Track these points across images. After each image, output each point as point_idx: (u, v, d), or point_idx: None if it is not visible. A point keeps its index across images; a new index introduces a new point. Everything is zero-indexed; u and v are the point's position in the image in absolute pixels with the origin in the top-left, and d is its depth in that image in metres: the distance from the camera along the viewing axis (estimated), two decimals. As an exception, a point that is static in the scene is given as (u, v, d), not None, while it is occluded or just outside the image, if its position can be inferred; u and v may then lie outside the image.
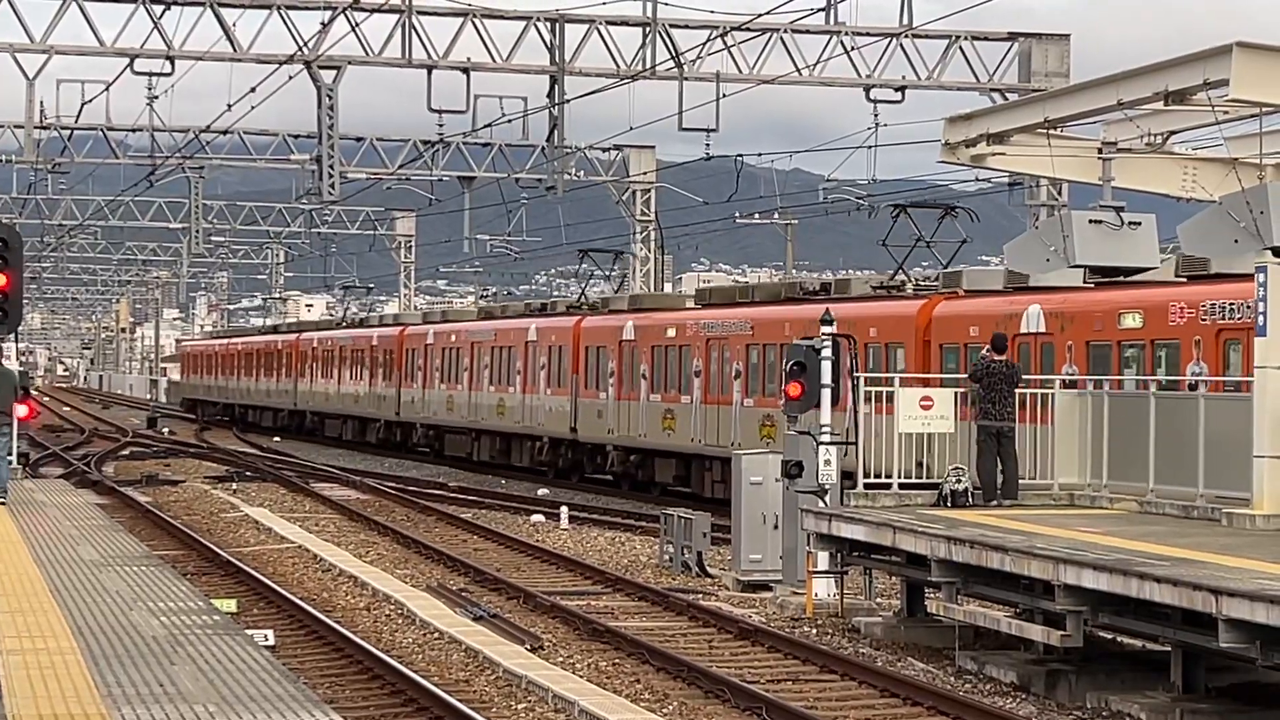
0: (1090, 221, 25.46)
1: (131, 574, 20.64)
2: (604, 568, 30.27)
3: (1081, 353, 31.45)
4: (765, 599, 26.76)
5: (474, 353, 58.25)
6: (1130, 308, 30.51)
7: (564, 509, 39.79)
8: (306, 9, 44.08)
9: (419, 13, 44.29)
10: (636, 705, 18.50)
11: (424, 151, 61.35)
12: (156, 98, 49.46)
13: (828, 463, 25.36)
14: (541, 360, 52.75)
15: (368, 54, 44.39)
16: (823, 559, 25.01)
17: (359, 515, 40.05)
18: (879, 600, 25.40)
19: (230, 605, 23.94)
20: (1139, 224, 26.01)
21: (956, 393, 25.21)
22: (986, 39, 47.00)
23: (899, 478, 24.63)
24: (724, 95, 45.90)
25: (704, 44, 45.01)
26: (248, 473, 52.58)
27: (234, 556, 30.87)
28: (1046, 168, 26.78)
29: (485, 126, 49.05)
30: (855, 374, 26.08)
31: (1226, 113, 23.66)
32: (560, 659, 21.58)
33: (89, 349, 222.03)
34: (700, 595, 27.07)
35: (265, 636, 21.08)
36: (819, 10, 43.39)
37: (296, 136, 62.61)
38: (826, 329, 26.07)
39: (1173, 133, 26.04)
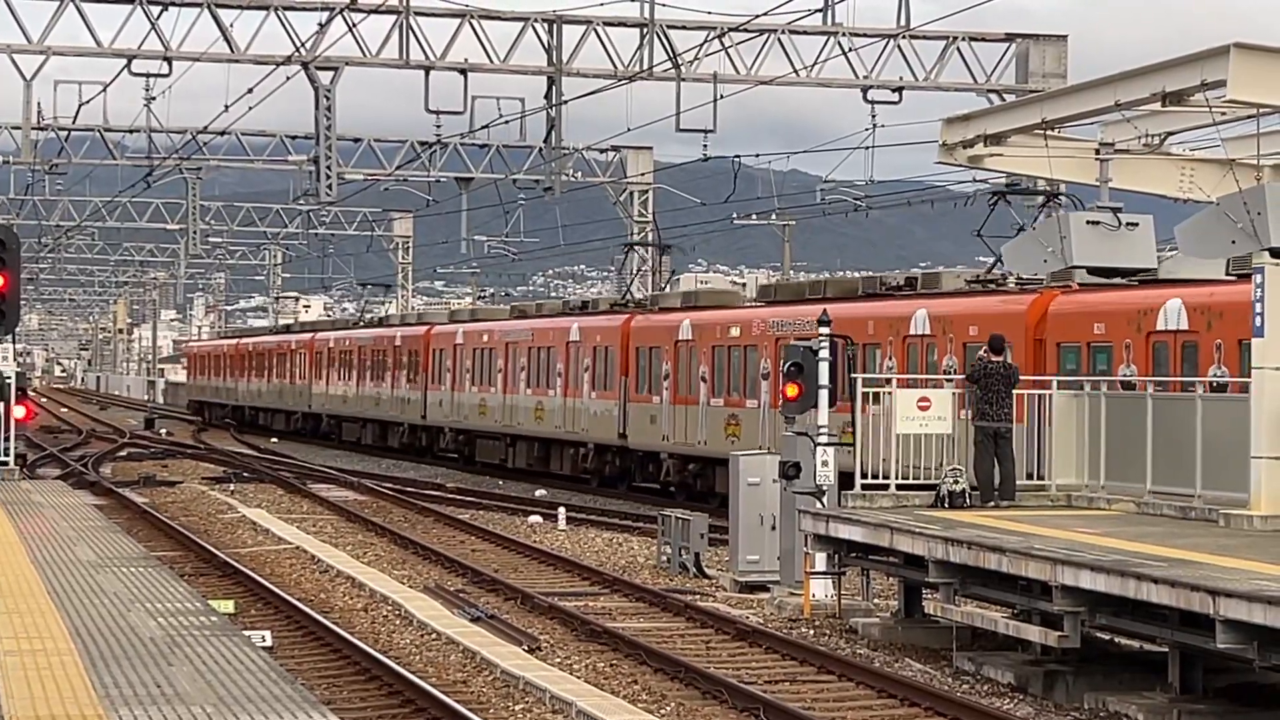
0: (1088, 222, 25.50)
1: (129, 575, 20.62)
2: (602, 568, 30.26)
3: (1233, 353, 28.07)
4: (763, 600, 26.76)
5: (509, 353, 55.48)
6: None
7: (561, 510, 39.79)
8: (304, 10, 44.08)
9: (416, 14, 44.30)
10: (634, 706, 18.50)
11: (421, 152, 61.33)
12: (154, 99, 49.46)
13: (825, 464, 25.36)
14: (585, 361, 50.04)
15: (365, 55, 44.39)
16: (820, 560, 25.02)
17: (357, 516, 40.05)
18: (876, 601, 25.40)
19: (228, 606, 23.93)
20: (1136, 225, 26.05)
21: (954, 393, 25.19)
22: (984, 40, 47.04)
23: (896, 478, 24.62)
24: (721, 96, 45.95)
25: (701, 45, 45.04)
26: (245, 474, 52.58)
27: (231, 557, 30.87)
28: (1044, 168, 26.78)
29: (483, 127, 49.09)
30: (853, 374, 26.09)
31: (1224, 114, 23.66)
32: (558, 660, 21.57)
33: (86, 350, 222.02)
34: (698, 596, 27.07)
35: (263, 637, 21.05)
36: (816, 11, 43.39)
37: (294, 137, 62.61)
38: (824, 329, 26.10)
39: (1170, 134, 26.04)
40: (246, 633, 18.21)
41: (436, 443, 62.51)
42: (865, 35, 46.09)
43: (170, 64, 44.47)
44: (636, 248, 53.52)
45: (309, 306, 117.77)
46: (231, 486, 48.22)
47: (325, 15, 42.90)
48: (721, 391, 43.04)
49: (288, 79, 43.54)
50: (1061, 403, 25.11)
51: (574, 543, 35.40)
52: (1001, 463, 24.36)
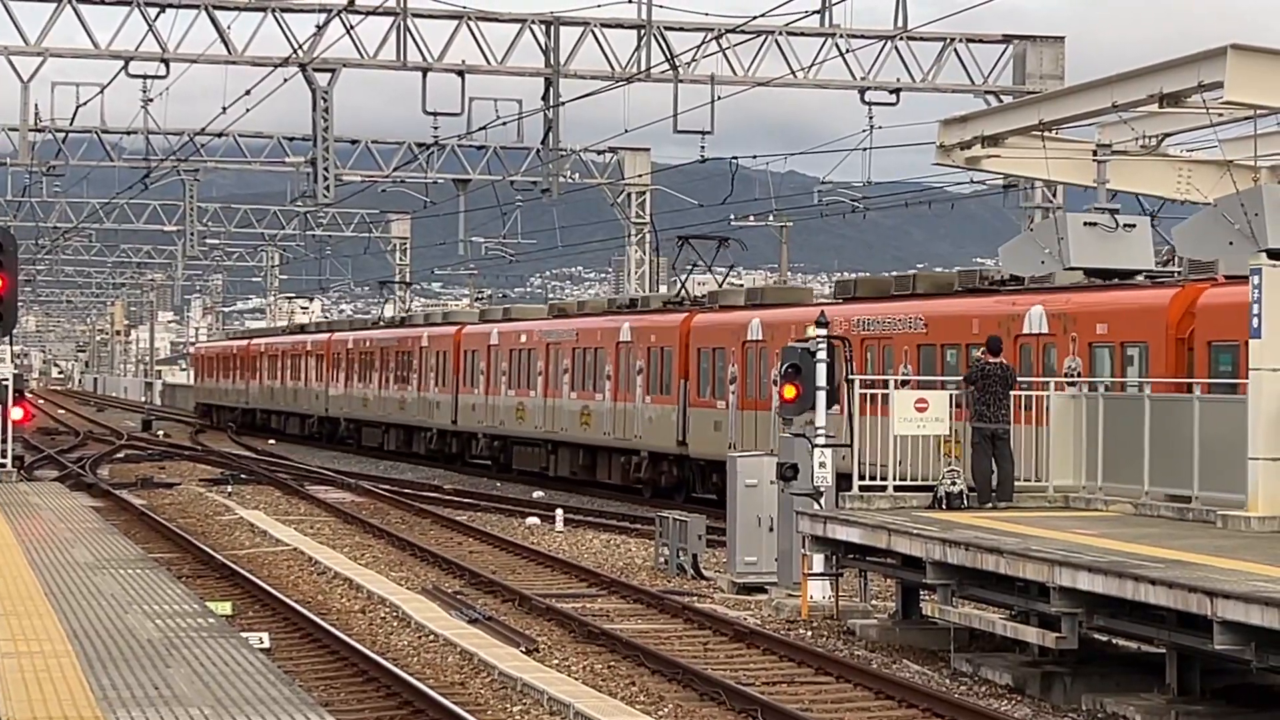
0: (1085, 224, 25.52)
1: (126, 577, 20.62)
2: (599, 570, 30.26)
3: None
4: (760, 601, 26.76)
5: (550, 355, 52.03)
6: None
7: (559, 511, 39.79)
8: (301, 11, 44.10)
9: (414, 15, 44.31)
10: (632, 708, 18.50)
11: (419, 154, 61.35)
12: (151, 100, 49.46)
13: (823, 465, 25.37)
14: (639, 363, 46.57)
15: (363, 57, 44.39)
16: (818, 561, 25.02)
17: (354, 518, 40.04)
18: (874, 602, 25.40)
19: (225, 608, 23.93)
20: (1133, 226, 26.07)
21: (952, 394, 25.18)
22: (981, 41, 47.07)
23: (894, 480, 24.61)
24: (719, 97, 45.98)
25: (699, 46, 45.04)
26: (243, 475, 52.56)
27: (229, 559, 30.86)
28: (1041, 170, 26.79)
29: (480, 129, 49.11)
30: (850, 376, 26.09)
31: (1221, 115, 23.67)
32: (556, 661, 21.58)
33: (84, 351, 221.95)
34: (695, 597, 27.07)
35: (260, 639, 21.05)
36: (814, 12, 43.49)
37: (291, 139, 62.59)
38: (820, 331, 26.10)
39: (1167, 135, 26.07)
40: (244, 634, 18.22)
41: (468, 449, 59.24)
42: (863, 37, 46.12)
43: (168, 65, 44.48)
44: (691, 240, 48.98)
45: (306, 308, 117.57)
46: (229, 488, 48.20)
47: (323, 17, 42.90)
48: None
49: (285, 80, 43.59)
50: (1059, 404, 25.12)
51: (571, 544, 35.40)
52: (999, 464, 24.37)
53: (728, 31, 44.90)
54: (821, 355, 25.88)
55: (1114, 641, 21.36)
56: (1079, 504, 24.64)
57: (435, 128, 48.46)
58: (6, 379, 35.84)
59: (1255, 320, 21.59)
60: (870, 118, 46.81)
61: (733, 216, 70.92)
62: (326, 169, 45.44)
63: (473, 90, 46.33)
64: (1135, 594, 17.47)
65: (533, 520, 40.16)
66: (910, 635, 23.17)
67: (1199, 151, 27.24)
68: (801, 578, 25.45)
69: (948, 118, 27.39)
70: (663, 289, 63.41)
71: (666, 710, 18.86)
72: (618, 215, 67.97)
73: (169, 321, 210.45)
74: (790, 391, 26.23)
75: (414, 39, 44.27)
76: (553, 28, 45.27)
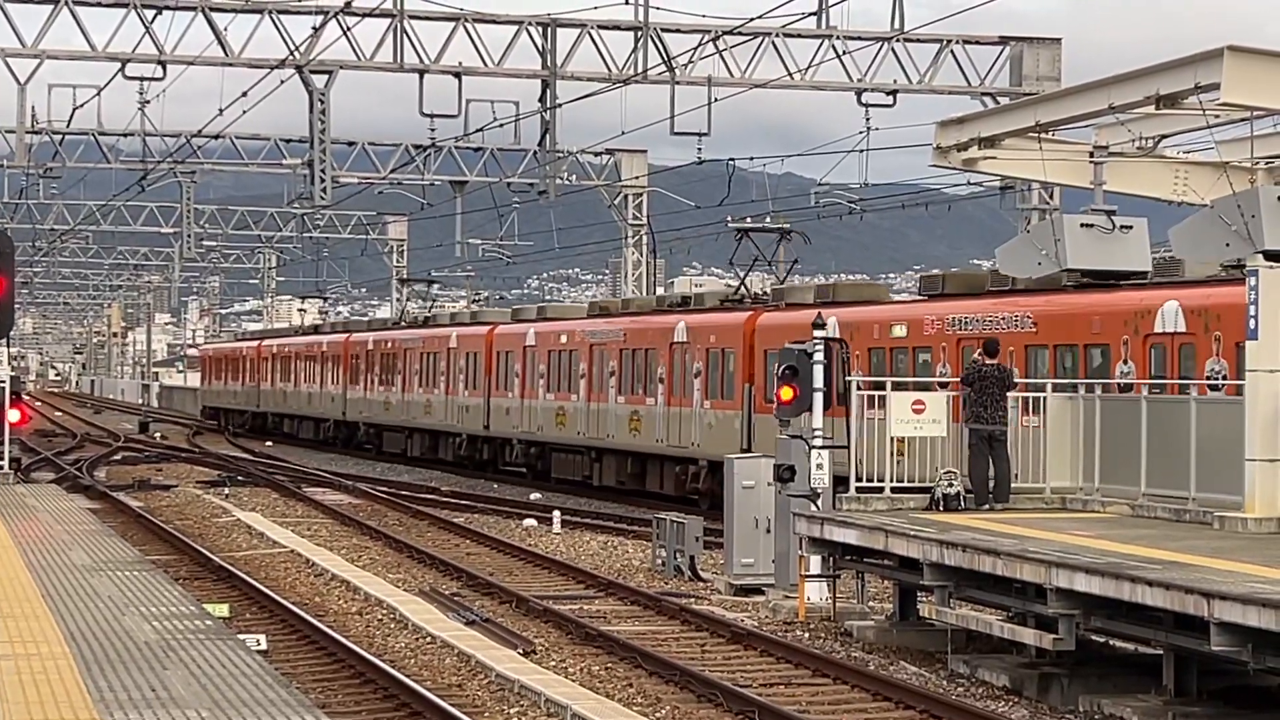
0: (1082, 225, 25.52)
1: (123, 579, 20.62)
2: (596, 572, 30.27)
3: None
4: (758, 603, 26.77)
5: (593, 356, 49.32)
6: None
7: (556, 513, 39.80)
8: (298, 13, 44.11)
9: (411, 17, 44.30)
10: (629, 709, 18.50)
11: (416, 156, 61.34)
12: (148, 102, 49.51)
13: (820, 466, 25.37)
14: (696, 365, 43.85)
15: (359, 58, 44.39)
16: (815, 563, 25.03)
17: (351, 520, 40.05)
18: (871, 604, 25.41)
19: (222, 610, 23.93)
20: (1130, 228, 26.07)
21: (949, 396, 25.18)
22: (978, 43, 47.09)
23: (891, 481, 24.61)
24: (716, 99, 45.96)
25: (695, 48, 45.02)
26: (240, 477, 52.56)
27: (226, 561, 30.86)
28: (1038, 171, 26.79)
29: (477, 131, 49.13)
30: (848, 377, 26.11)
31: (1218, 116, 23.68)
32: (553, 663, 21.58)
33: (81, 354, 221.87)
34: (693, 599, 27.07)
35: (257, 641, 21.06)
36: (811, 14, 43.55)
37: (288, 141, 62.58)
38: (818, 333, 26.12)
39: (1164, 136, 26.07)
40: (241, 636, 18.21)
41: (501, 456, 56.54)
42: (859, 38, 46.14)
43: (164, 67, 44.44)
44: (750, 234, 46.02)
45: (305, 310, 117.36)
46: (226, 490, 48.20)
47: (320, 19, 42.93)
48: (880, 401, 36.06)
49: (282, 82, 43.60)
50: (1056, 405, 25.12)
51: (569, 546, 35.40)
52: (996, 465, 24.37)
53: (725, 33, 44.89)
54: (818, 356, 25.92)
55: (1111, 643, 21.36)
56: (1076, 505, 24.64)
57: (432, 129, 48.44)
58: (3, 381, 35.86)
59: (1252, 322, 21.59)
60: (867, 119, 46.87)
61: (730, 218, 70.94)
62: (323, 171, 45.45)
63: (470, 92, 46.36)
64: (1132, 595, 17.47)
65: (530, 522, 40.17)
66: (907, 637, 23.17)
67: (1196, 153, 27.25)
68: (799, 579, 25.45)
69: (945, 119, 27.39)
70: (659, 290, 63.28)
71: (664, 712, 18.86)
72: (615, 217, 67.97)
73: (166, 323, 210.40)
74: (787, 393, 26.26)
75: (411, 41, 44.29)
76: (550, 29, 45.27)
